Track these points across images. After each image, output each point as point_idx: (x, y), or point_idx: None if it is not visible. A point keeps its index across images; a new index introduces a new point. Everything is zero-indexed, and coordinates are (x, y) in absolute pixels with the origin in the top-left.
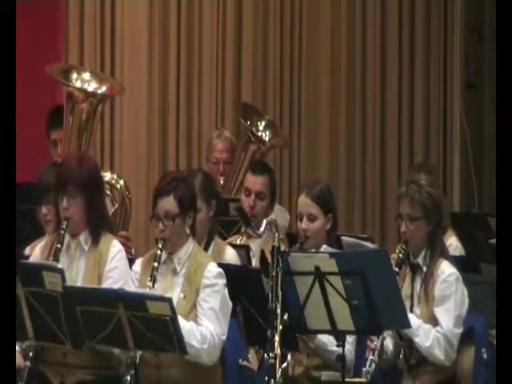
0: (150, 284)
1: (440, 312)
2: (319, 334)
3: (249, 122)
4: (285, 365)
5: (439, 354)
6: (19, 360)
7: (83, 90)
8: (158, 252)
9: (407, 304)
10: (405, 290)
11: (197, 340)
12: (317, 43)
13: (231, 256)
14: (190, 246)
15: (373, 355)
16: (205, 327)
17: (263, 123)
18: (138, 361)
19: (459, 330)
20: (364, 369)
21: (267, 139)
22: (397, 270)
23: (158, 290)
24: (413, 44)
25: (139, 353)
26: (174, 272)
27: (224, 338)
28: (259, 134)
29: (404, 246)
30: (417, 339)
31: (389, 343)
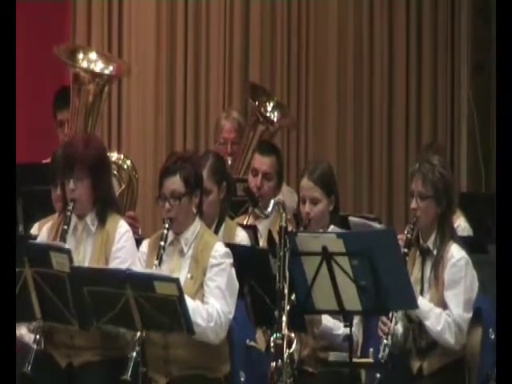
0: (156, 263)
1: (449, 297)
2: (324, 320)
3: (257, 103)
4: (293, 349)
5: (450, 338)
6: (27, 340)
7: (90, 71)
8: (165, 231)
9: (417, 288)
10: (415, 274)
11: (203, 318)
12: (324, 23)
13: (242, 238)
14: (196, 227)
15: (386, 339)
16: (211, 305)
17: (272, 104)
18: (144, 339)
19: (469, 315)
20: (371, 349)
21: (275, 120)
22: (406, 250)
23: (165, 271)
24: (420, 26)
25: (144, 333)
26: (181, 253)
27: (231, 316)
28: (268, 114)
29: (412, 226)
30: (428, 323)
31: (399, 326)
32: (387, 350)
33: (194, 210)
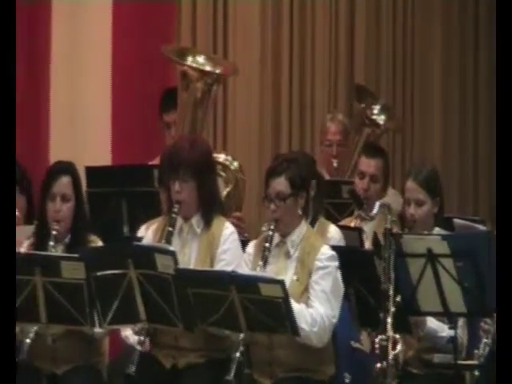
0: (260, 264)
1: None
2: (428, 321)
3: (363, 105)
4: (397, 350)
5: None
6: (132, 342)
7: (198, 69)
8: (270, 233)
9: None
10: None
11: (307, 323)
12: (430, 24)
13: (333, 234)
14: (303, 229)
15: (487, 338)
16: (315, 309)
17: (378, 106)
18: (248, 341)
19: None
20: (476, 351)
21: (382, 122)
22: None
23: (271, 272)
24: None
25: (249, 334)
26: (287, 255)
27: (335, 320)
28: (374, 117)
29: None
30: None
31: None
32: (487, 349)
33: (300, 212)
